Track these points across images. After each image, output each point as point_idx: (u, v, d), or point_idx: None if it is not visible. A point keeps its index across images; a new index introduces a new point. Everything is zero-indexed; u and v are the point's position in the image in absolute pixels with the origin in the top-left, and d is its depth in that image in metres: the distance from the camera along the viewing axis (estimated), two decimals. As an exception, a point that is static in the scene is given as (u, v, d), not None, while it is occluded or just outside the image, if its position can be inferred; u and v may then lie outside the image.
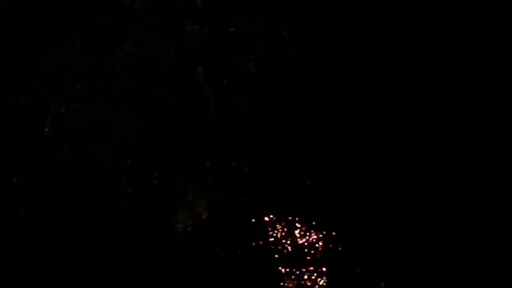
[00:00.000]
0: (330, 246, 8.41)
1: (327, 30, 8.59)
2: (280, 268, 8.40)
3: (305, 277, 8.34)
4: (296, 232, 8.46)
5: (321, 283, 8.31)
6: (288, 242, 8.44)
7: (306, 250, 8.42)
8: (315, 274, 8.35)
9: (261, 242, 8.47)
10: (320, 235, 8.42)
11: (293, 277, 8.35)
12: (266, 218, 8.50)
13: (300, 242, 8.43)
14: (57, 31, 8.48)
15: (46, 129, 8.32)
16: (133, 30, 8.49)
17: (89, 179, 8.35)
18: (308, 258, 8.41)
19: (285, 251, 8.42)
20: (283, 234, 8.46)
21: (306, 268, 8.37)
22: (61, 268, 8.18)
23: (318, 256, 8.40)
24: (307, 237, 8.43)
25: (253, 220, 8.50)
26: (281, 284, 8.35)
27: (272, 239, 8.47)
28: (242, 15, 8.53)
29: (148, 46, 8.46)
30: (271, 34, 8.54)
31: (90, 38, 8.46)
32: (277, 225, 8.48)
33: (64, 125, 8.36)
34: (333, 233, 8.41)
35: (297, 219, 8.49)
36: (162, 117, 8.44)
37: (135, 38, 8.48)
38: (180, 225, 8.38)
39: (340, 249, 8.40)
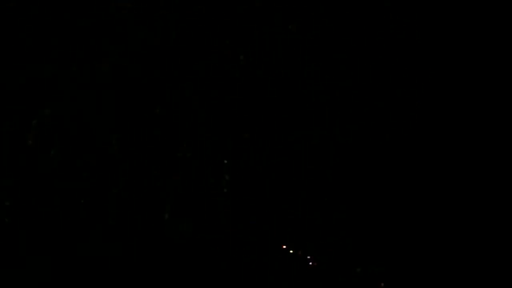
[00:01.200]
0: (330, 246, 8.41)
1: (325, 30, 8.60)
2: (279, 268, 8.39)
3: (305, 277, 8.33)
4: (296, 232, 8.46)
5: (321, 283, 8.31)
6: (289, 242, 8.44)
7: (306, 250, 8.42)
8: (315, 274, 8.34)
9: (259, 243, 8.46)
10: (320, 235, 8.42)
11: (292, 277, 8.35)
12: (264, 218, 8.50)
13: (300, 242, 8.43)
14: (43, 35, 8.48)
15: (31, 135, 8.30)
16: (119, 31, 8.49)
17: (76, 184, 8.34)
18: (308, 258, 8.40)
19: (284, 251, 8.42)
20: (283, 234, 8.46)
21: (306, 268, 8.36)
22: (50, 270, 8.15)
23: (318, 256, 8.39)
24: (307, 238, 8.43)
25: (251, 220, 8.50)
26: (281, 284, 8.34)
27: (271, 240, 8.46)
28: (231, 15, 8.54)
29: (133, 48, 8.47)
30: (262, 34, 8.55)
31: (76, 42, 8.45)
32: (277, 226, 8.48)
33: (51, 130, 8.35)
34: (333, 233, 8.41)
35: (296, 219, 8.49)
36: (149, 121, 8.44)
37: (121, 39, 8.48)
38: (171, 228, 8.37)
39: (340, 249, 8.39)
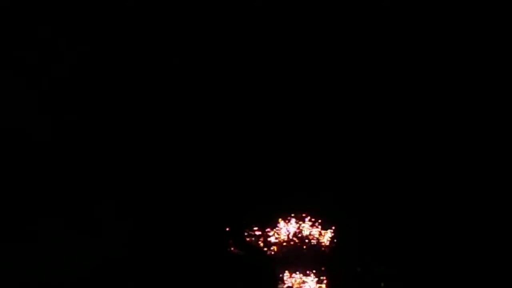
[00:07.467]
0: (331, 246, 8.41)
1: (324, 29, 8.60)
2: (279, 268, 8.40)
3: (306, 277, 8.33)
4: (297, 233, 8.45)
5: (321, 283, 8.31)
6: (289, 243, 8.44)
7: (306, 250, 8.42)
8: (316, 274, 8.34)
9: (260, 243, 8.47)
10: (321, 235, 8.42)
11: (293, 277, 8.35)
12: (265, 219, 8.50)
13: (301, 242, 8.43)
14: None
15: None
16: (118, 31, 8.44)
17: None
18: (309, 258, 8.40)
19: (285, 252, 8.42)
20: (283, 235, 8.46)
21: (307, 268, 8.36)
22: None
23: (319, 256, 8.40)
24: (308, 238, 8.43)
25: (251, 221, 8.51)
26: (281, 284, 8.35)
27: (272, 240, 8.46)
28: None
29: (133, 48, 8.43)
30: (265, 35, 8.54)
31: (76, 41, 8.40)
32: (277, 226, 8.48)
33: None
34: (334, 234, 8.41)
35: (297, 220, 8.49)
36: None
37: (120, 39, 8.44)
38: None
39: (340, 249, 8.40)
